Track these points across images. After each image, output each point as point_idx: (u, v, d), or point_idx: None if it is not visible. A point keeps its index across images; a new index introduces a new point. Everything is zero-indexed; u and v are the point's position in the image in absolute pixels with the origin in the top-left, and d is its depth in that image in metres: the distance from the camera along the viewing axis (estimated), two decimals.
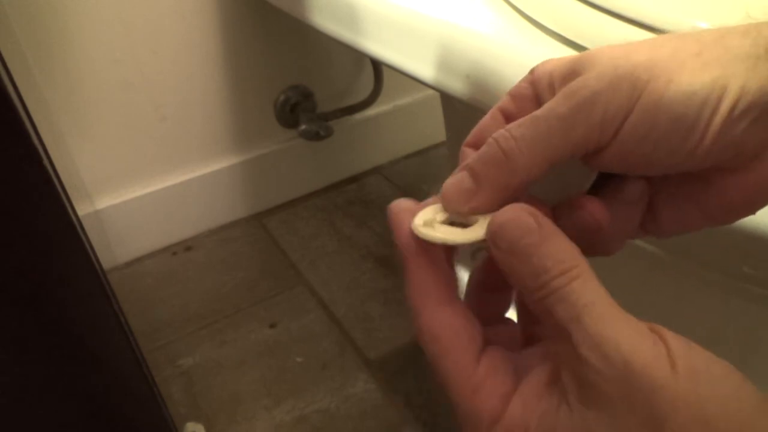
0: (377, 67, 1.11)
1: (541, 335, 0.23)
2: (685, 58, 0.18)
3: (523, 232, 0.18)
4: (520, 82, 0.23)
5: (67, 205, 0.36)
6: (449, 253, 0.22)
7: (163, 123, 1.01)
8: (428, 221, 0.21)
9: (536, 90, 0.22)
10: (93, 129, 0.96)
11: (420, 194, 1.06)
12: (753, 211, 0.21)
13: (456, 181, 0.20)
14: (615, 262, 0.49)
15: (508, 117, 0.23)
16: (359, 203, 1.22)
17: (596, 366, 0.16)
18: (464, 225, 0.21)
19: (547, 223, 0.18)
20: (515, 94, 0.23)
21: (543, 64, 0.22)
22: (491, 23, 0.45)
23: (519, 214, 0.18)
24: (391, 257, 1.08)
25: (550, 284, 0.17)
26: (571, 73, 0.20)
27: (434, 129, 1.19)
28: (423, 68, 0.49)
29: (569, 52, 0.40)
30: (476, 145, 0.22)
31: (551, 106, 0.19)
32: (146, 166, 1.04)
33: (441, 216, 0.21)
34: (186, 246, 1.12)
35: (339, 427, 0.82)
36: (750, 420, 0.15)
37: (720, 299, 0.43)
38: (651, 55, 0.18)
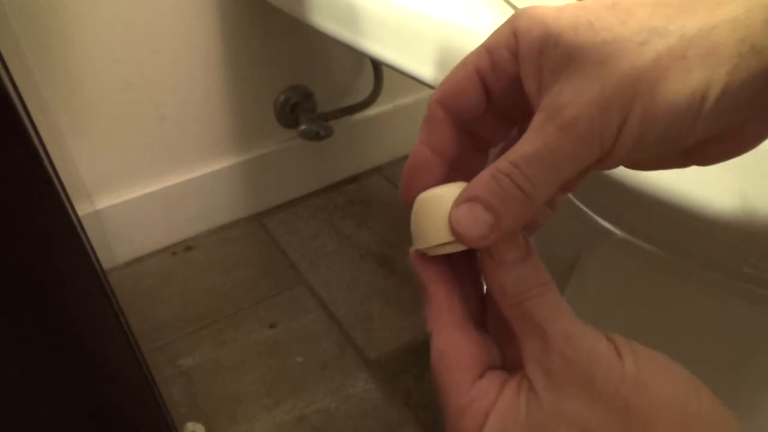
0: (377, 67, 1.11)
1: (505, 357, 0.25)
2: (669, 64, 0.18)
3: (514, 246, 0.21)
4: (499, 39, 0.22)
5: (67, 205, 0.35)
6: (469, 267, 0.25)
7: (163, 123, 1.01)
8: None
9: (512, 53, 0.22)
10: (93, 129, 0.96)
11: None
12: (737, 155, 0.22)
13: (470, 215, 0.20)
14: (615, 262, 0.49)
15: (483, 78, 0.22)
16: (359, 203, 1.22)
17: (568, 355, 0.20)
18: None
19: (530, 244, 0.22)
20: (495, 57, 0.22)
21: (526, 31, 0.21)
22: (491, 23, 0.45)
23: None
24: (391, 257, 1.07)
25: (531, 291, 0.21)
26: (541, 52, 0.20)
27: None
28: (423, 68, 0.49)
29: None
30: (447, 105, 0.23)
31: (551, 141, 0.19)
32: (146, 166, 1.04)
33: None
34: (186, 246, 1.12)
35: (339, 427, 0.82)
36: (679, 382, 0.19)
37: (720, 299, 0.43)
38: (633, 64, 0.18)
